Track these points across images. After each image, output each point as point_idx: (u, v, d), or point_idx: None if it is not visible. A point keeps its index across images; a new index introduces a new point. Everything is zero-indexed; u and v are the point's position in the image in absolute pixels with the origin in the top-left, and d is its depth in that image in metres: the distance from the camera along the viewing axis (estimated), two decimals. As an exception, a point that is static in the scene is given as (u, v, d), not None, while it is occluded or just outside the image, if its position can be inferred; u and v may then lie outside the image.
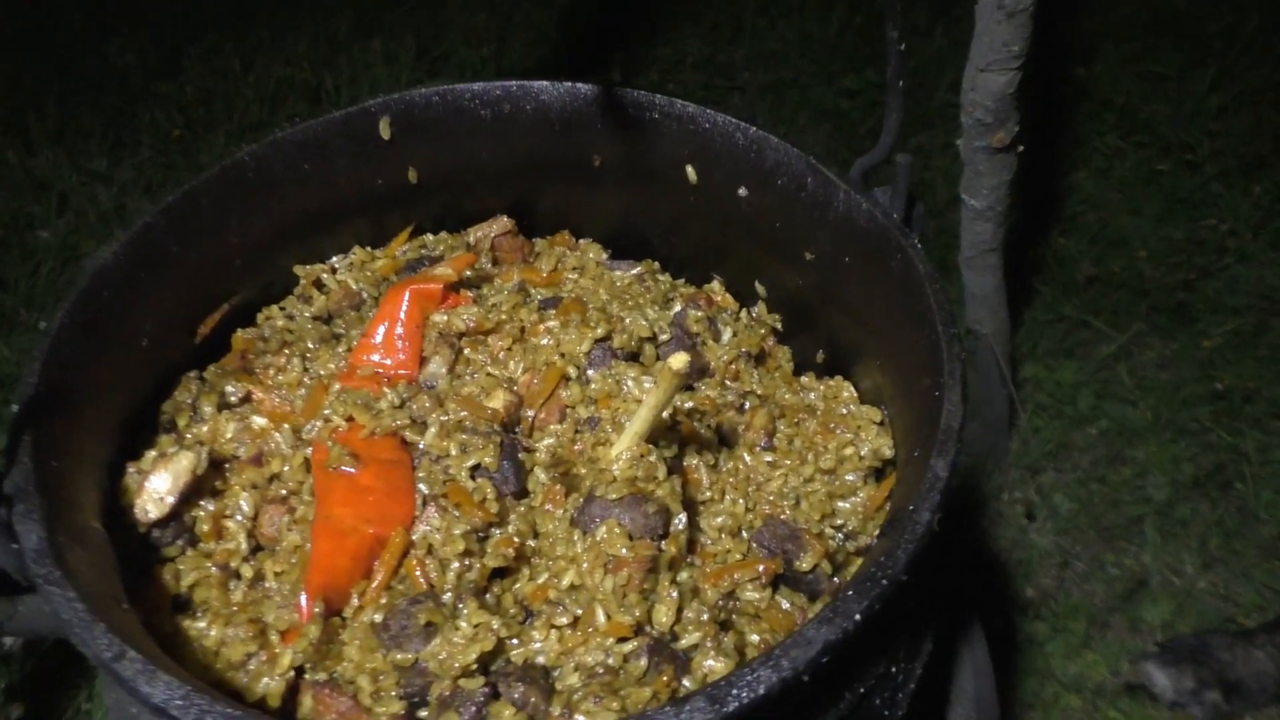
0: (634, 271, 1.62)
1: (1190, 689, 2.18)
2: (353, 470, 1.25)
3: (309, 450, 1.31)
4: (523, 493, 1.29)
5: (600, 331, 1.42)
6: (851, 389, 1.48)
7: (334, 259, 1.59)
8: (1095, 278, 3.16)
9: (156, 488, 1.19)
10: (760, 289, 1.60)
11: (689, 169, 1.51)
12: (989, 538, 2.63)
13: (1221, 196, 3.36)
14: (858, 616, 0.90)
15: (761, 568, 1.24)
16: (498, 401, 1.35)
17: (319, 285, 1.56)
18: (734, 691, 0.85)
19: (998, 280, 2.37)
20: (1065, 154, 3.53)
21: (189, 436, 1.31)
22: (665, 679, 1.07)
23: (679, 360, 1.11)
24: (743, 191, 1.48)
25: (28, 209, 3.32)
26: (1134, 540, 2.60)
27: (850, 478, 1.37)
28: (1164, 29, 3.93)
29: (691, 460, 1.36)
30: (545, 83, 1.52)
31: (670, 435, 1.33)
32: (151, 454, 1.24)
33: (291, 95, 3.76)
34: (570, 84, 1.52)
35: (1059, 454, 2.77)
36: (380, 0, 4.20)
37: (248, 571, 1.21)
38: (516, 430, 1.36)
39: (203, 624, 1.14)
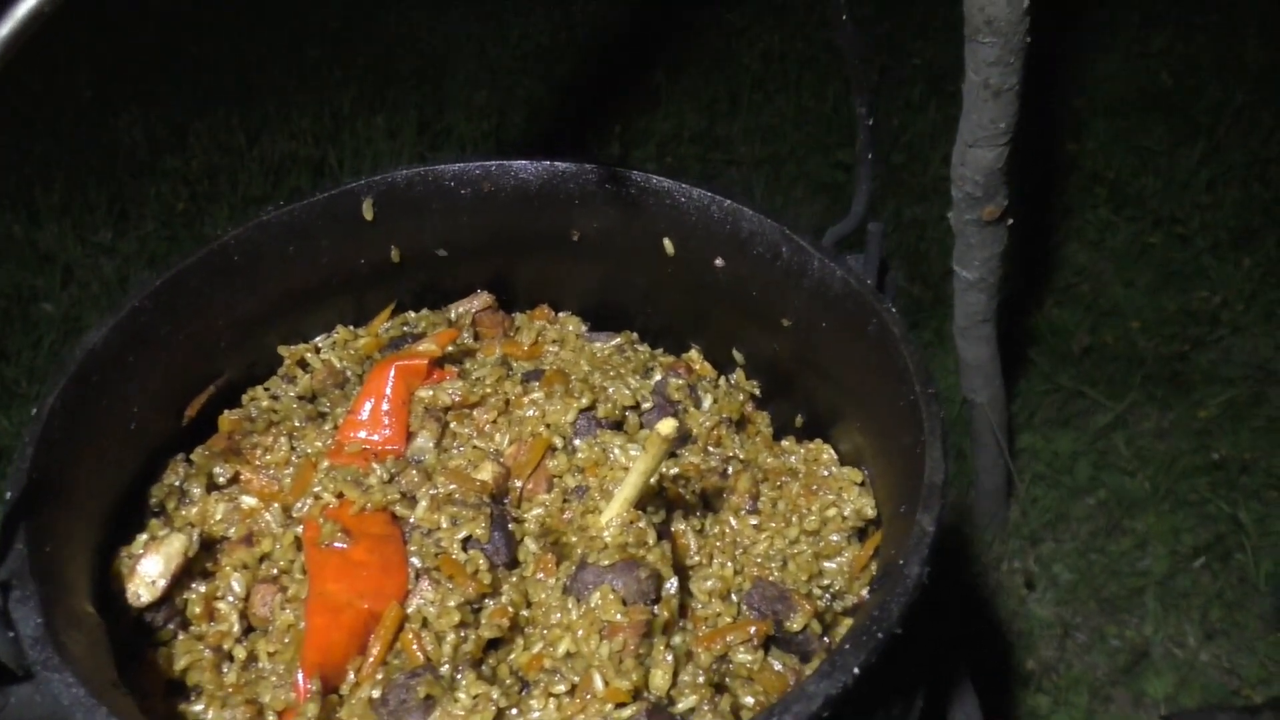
0: (614, 342, 1.66)
1: None
2: (345, 546, 1.26)
3: (299, 528, 1.31)
4: (514, 563, 1.30)
5: (585, 401, 1.45)
6: (831, 451, 1.51)
7: (317, 338, 1.61)
8: (1090, 348, 3.23)
9: (148, 571, 1.19)
10: (738, 356, 1.63)
11: (666, 241, 1.56)
12: (989, 608, 2.64)
13: (1213, 268, 3.44)
14: (856, 670, 0.92)
15: (753, 629, 1.25)
16: (486, 474, 1.37)
17: (303, 365, 1.57)
18: (740, 749, 0.86)
19: (992, 350, 2.42)
20: (1058, 226, 3.63)
21: (179, 519, 1.31)
22: (666, 743, 1.07)
23: (667, 425, 1.14)
24: (719, 262, 1.53)
25: (31, 281, 3.33)
26: (1135, 611, 2.60)
27: (834, 538, 1.40)
28: (1153, 105, 4.07)
29: (679, 525, 1.38)
30: (524, 161, 1.57)
31: (657, 501, 1.35)
32: (143, 537, 1.24)
33: (295, 169, 3.82)
34: (549, 162, 1.57)
35: (1058, 524, 2.79)
36: (383, 76, 4.29)
37: (241, 653, 1.21)
38: (505, 501, 1.38)
39: (199, 707, 1.13)
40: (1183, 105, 4.05)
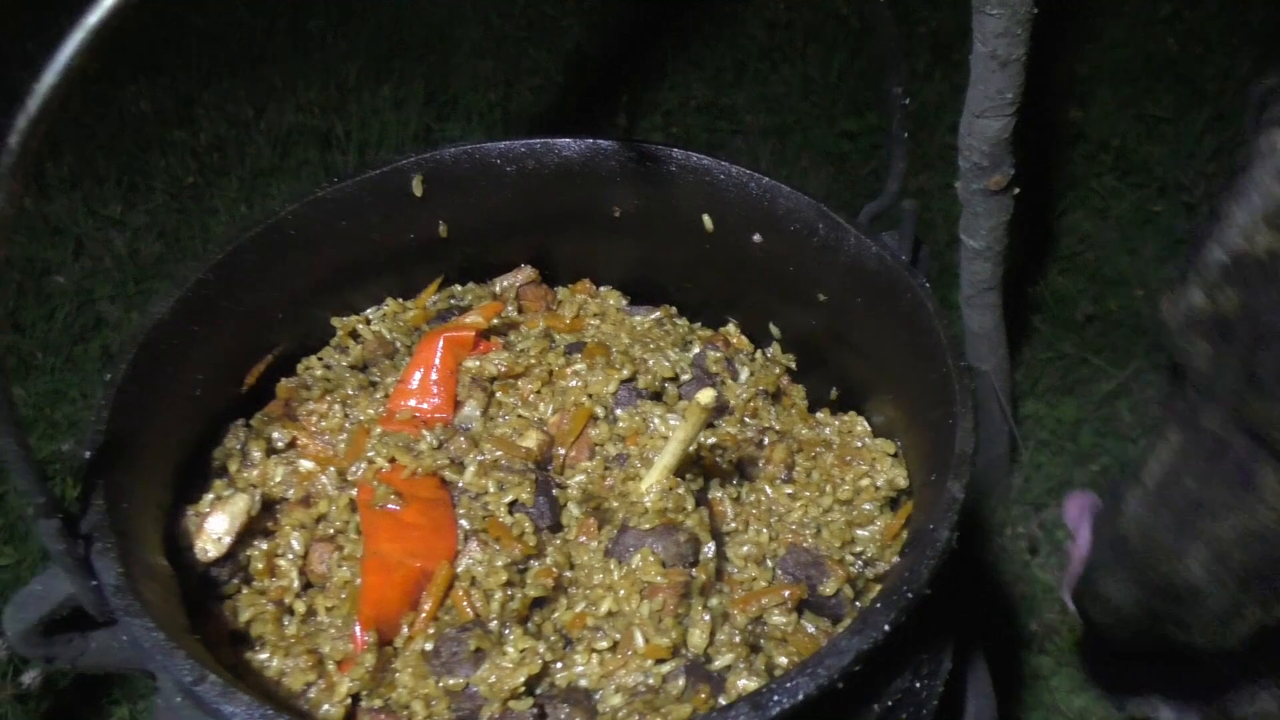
0: (653, 316, 1.70)
1: None
2: (397, 508, 1.32)
3: (354, 491, 1.37)
4: (557, 527, 1.36)
5: (626, 373, 1.50)
6: (865, 423, 1.55)
7: (368, 310, 1.67)
8: (1094, 316, 3.24)
9: (214, 528, 1.25)
10: (774, 330, 1.67)
11: (705, 218, 1.60)
12: (993, 572, 2.68)
13: None
14: (886, 627, 0.97)
15: (787, 593, 1.30)
16: (531, 441, 1.42)
17: (354, 336, 1.64)
18: (774, 698, 0.91)
19: (997, 318, 2.45)
20: (1063, 195, 3.62)
21: (241, 480, 1.38)
22: (703, 697, 1.13)
23: (707, 395, 1.19)
24: (757, 238, 1.57)
25: (44, 254, 3.39)
26: None
27: (867, 507, 1.44)
28: (1159, 72, 4.04)
29: (716, 494, 1.44)
30: (568, 139, 1.61)
31: (695, 469, 1.40)
32: (209, 496, 1.31)
33: (303, 141, 3.85)
34: (591, 140, 1.61)
35: (1061, 490, 2.82)
36: (389, 47, 4.31)
37: (300, 607, 1.27)
38: (549, 468, 1.43)
39: (263, 656, 1.20)
40: (1189, 72, 4.01)
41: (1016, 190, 2.17)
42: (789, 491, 1.46)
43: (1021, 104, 2.01)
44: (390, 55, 4.26)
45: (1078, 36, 4.18)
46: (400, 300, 1.69)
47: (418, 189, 1.60)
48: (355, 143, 3.86)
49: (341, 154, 3.81)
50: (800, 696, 0.92)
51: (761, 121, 3.99)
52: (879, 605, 0.98)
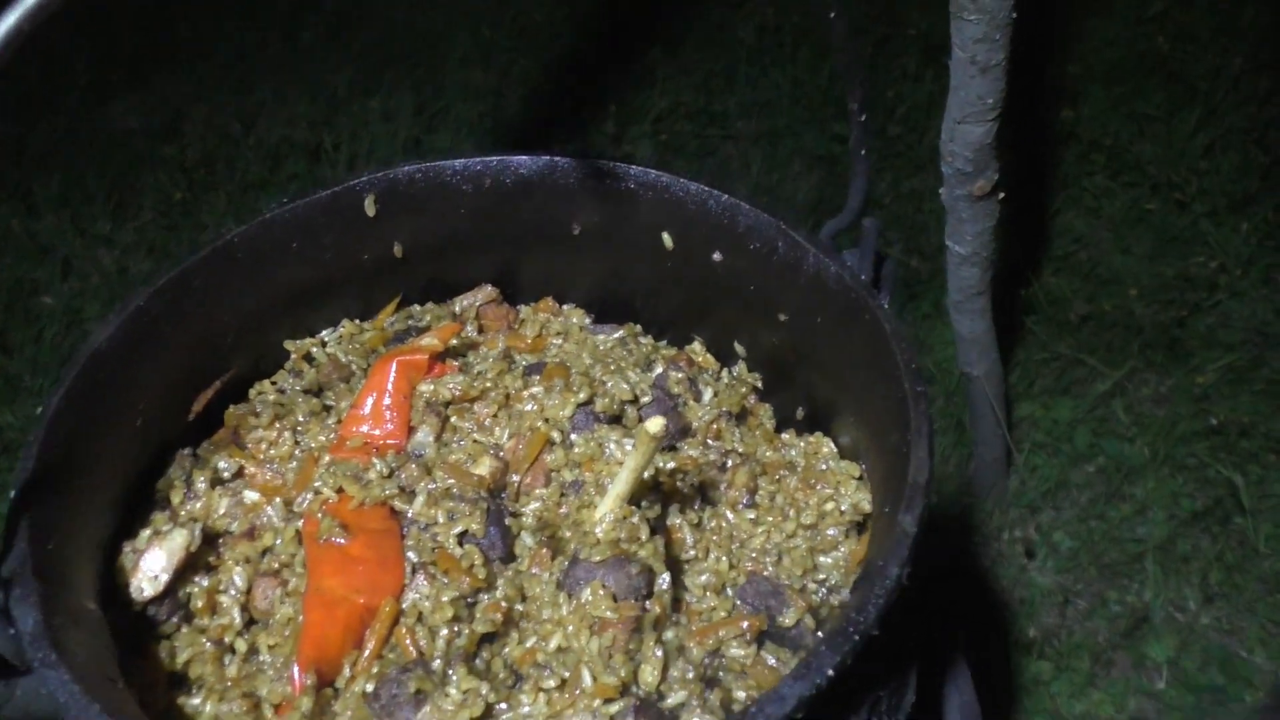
0: (616, 335, 1.67)
1: None
2: (343, 541, 1.28)
3: (300, 523, 1.34)
4: (510, 557, 1.32)
5: (583, 396, 1.46)
6: (831, 445, 1.51)
7: (323, 333, 1.64)
8: (1088, 316, 3.21)
9: (151, 566, 1.22)
10: (739, 349, 1.64)
11: (665, 235, 1.56)
12: (990, 577, 2.65)
13: (1211, 234, 3.41)
14: (830, 671, 0.93)
15: (745, 624, 1.26)
16: (484, 468, 1.39)
17: (309, 359, 1.60)
18: (711, 751, 0.87)
19: (987, 323, 2.41)
20: (1055, 195, 3.60)
21: (183, 513, 1.34)
22: (651, 739, 1.09)
23: (655, 424, 1.15)
24: (717, 256, 1.53)
25: (31, 274, 3.37)
26: (1135, 577, 2.61)
27: (831, 532, 1.40)
28: (1150, 71, 4.02)
29: (675, 520, 1.40)
30: (524, 156, 1.58)
31: (653, 495, 1.36)
32: (146, 532, 1.27)
33: (292, 155, 3.84)
34: (548, 156, 1.57)
35: (1058, 492, 2.80)
36: (378, 59, 4.29)
37: (242, 646, 1.24)
38: (503, 496, 1.39)
39: (197, 700, 1.17)
40: (1180, 71, 3.99)
41: (1002, 195, 2.13)
42: (751, 516, 1.42)
43: (1004, 109, 1.97)
44: (380, 67, 4.23)
45: (1068, 36, 4.15)
46: (357, 322, 1.65)
47: (370, 209, 1.56)
48: (345, 155, 3.83)
49: (331, 167, 3.79)
50: (739, 748, 0.88)
51: (752, 127, 3.97)
52: (823, 649, 0.94)
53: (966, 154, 2.03)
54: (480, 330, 1.68)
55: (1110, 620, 2.54)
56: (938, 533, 2.64)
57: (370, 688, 1.14)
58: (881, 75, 4.05)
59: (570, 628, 1.20)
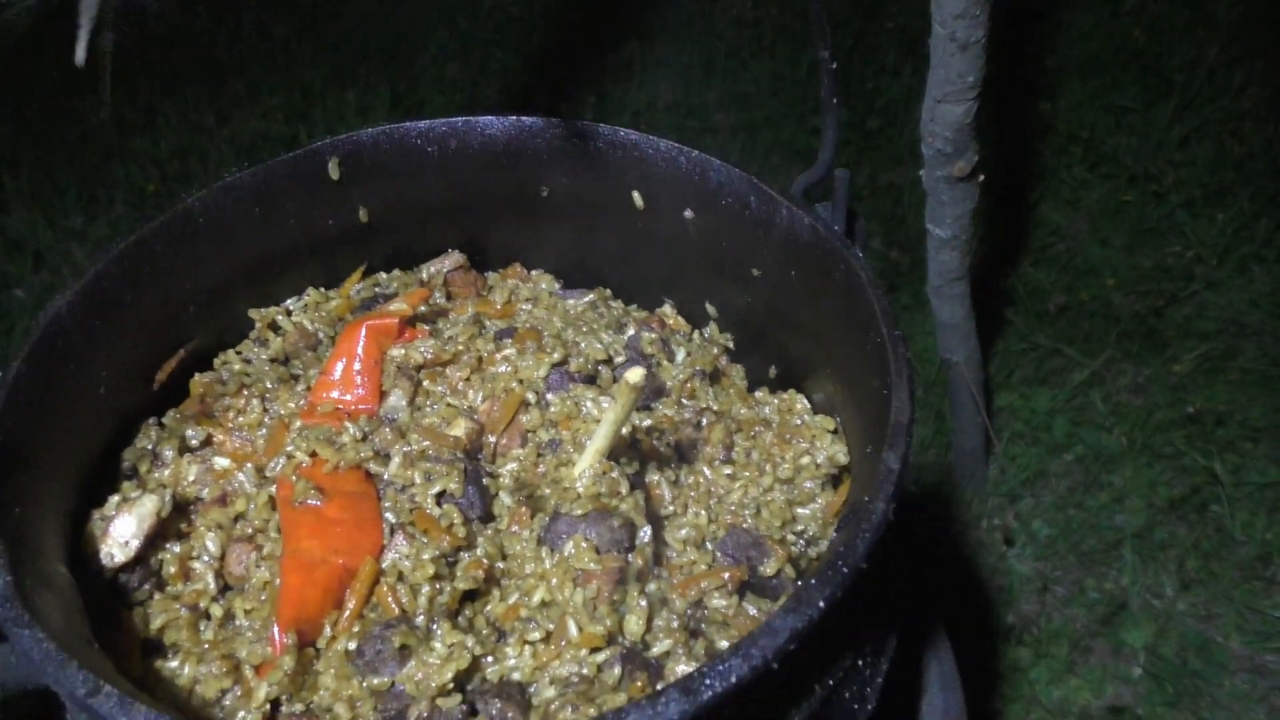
0: (587, 299, 1.66)
1: None
2: (319, 504, 1.26)
3: (273, 488, 1.31)
4: (489, 517, 1.31)
5: (557, 356, 1.45)
6: (805, 401, 1.51)
7: (288, 301, 1.61)
8: (1066, 306, 3.24)
9: (121, 532, 1.19)
10: (711, 310, 1.63)
11: (635, 195, 1.55)
12: (969, 565, 2.66)
13: (1187, 225, 3.45)
14: (821, 604, 0.93)
15: (727, 575, 1.26)
16: (459, 430, 1.37)
17: (274, 328, 1.57)
18: (706, 682, 0.87)
19: (966, 309, 2.43)
20: (1033, 186, 3.63)
21: (152, 481, 1.31)
22: (639, 685, 1.09)
23: (635, 374, 1.14)
24: (689, 214, 1.52)
25: (2, 269, 3.30)
26: (1113, 564, 2.63)
27: (808, 485, 1.41)
28: (1126, 63, 4.06)
29: (653, 477, 1.39)
30: (490, 117, 1.56)
31: (631, 453, 1.36)
32: (114, 499, 1.24)
33: (267, 148, 3.78)
34: (515, 118, 1.56)
35: (1036, 481, 2.81)
36: (354, 52, 4.23)
37: (217, 611, 1.21)
38: (480, 457, 1.38)
39: (174, 664, 1.14)
40: (1156, 63, 4.05)
41: (981, 178, 2.13)
42: (728, 472, 1.42)
43: (983, 88, 1.97)
44: (356, 61, 4.18)
45: (1045, 29, 4.19)
46: (323, 290, 1.63)
47: (334, 172, 1.53)
48: (320, 148, 3.78)
49: (303, 153, 3.74)
50: (734, 679, 0.88)
51: (731, 119, 3.96)
52: (814, 582, 0.94)
53: (946, 134, 2.03)
54: (449, 297, 1.66)
55: (1088, 607, 2.56)
56: (917, 520, 2.65)
57: (353, 646, 1.13)
58: (860, 69, 4.07)
59: (554, 581, 1.19)
